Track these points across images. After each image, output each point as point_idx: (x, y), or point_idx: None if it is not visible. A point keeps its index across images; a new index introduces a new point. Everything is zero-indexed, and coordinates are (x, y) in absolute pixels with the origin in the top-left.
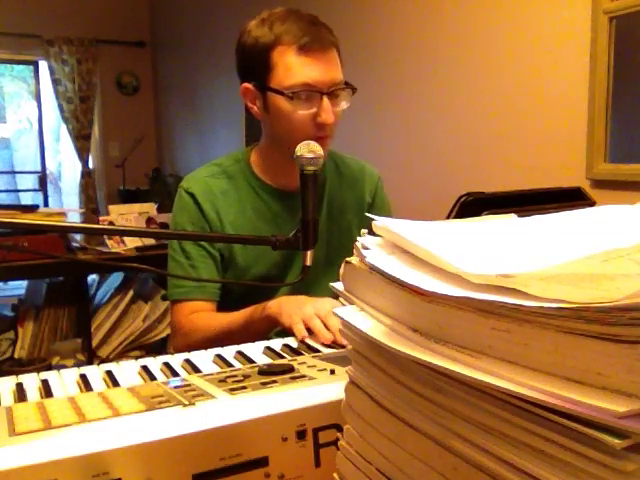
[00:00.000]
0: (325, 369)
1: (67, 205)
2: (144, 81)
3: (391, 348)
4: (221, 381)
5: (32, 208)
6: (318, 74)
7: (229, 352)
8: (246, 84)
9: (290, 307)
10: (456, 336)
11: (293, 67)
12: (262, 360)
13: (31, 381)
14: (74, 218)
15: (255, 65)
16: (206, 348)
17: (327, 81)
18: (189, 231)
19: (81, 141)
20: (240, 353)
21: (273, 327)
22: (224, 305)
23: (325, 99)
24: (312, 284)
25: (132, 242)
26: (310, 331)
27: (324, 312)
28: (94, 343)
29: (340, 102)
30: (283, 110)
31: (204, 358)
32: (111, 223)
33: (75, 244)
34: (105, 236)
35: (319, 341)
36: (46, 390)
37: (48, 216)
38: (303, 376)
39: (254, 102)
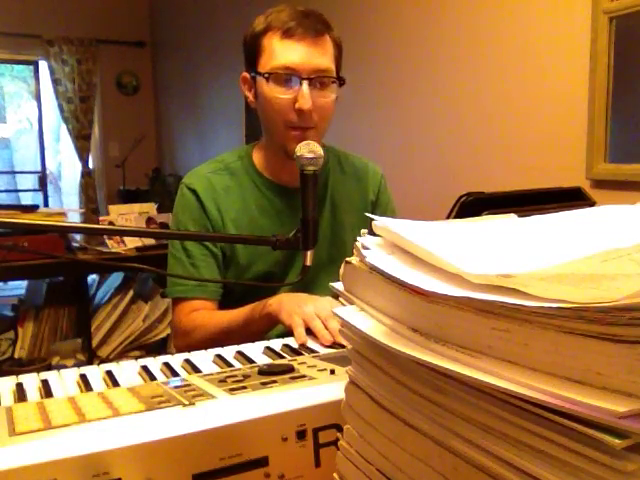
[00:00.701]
0: (325, 369)
1: (67, 205)
2: (144, 81)
3: (391, 348)
4: (221, 381)
5: (32, 208)
6: (298, 58)
7: (229, 352)
8: (244, 73)
9: (290, 305)
10: (456, 336)
11: (275, 50)
12: (262, 360)
13: (31, 381)
14: (74, 218)
15: (249, 53)
16: (207, 347)
17: (308, 67)
18: (190, 229)
19: (81, 141)
20: (240, 353)
21: (274, 325)
22: (225, 303)
23: (305, 85)
24: (315, 281)
25: (132, 242)
26: (309, 331)
27: (325, 313)
28: (94, 343)
29: (326, 93)
30: (265, 94)
31: (204, 358)
32: (111, 223)
33: (75, 244)
34: (105, 236)
35: (319, 342)
36: (46, 390)
37: (48, 216)
38: (303, 376)
39: (250, 90)
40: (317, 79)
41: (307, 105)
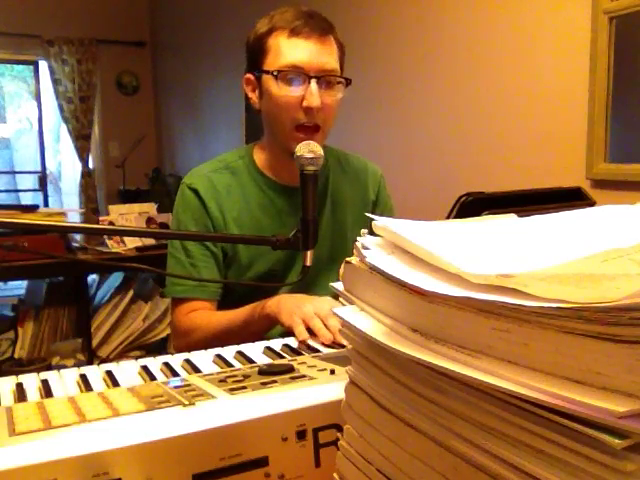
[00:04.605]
0: (325, 369)
1: (67, 205)
2: (144, 81)
3: (391, 348)
4: (221, 381)
5: (32, 208)
6: (306, 56)
7: (229, 352)
8: (248, 74)
9: (289, 305)
10: (456, 336)
11: (282, 48)
12: (262, 360)
13: (31, 381)
14: (74, 218)
15: (254, 53)
16: (206, 347)
17: (315, 65)
18: (191, 229)
19: (81, 141)
20: (240, 353)
21: (273, 325)
22: (226, 302)
23: (313, 83)
24: (316, 280)
25: (132, 242)
26: (310, 331)
27: (324, 312)
28: (94, 343)
29: (333, 92)
30: (272, 92)
31: (204, 358)
32: (111, 223)
33: (75, 244)
34: (105, 236)
35: (319, 341)
36: (46, 390)
37: (48, 216)
38: (303, 376)
39: (254, 91)
40: (324, 78)
41: (316, 103)
